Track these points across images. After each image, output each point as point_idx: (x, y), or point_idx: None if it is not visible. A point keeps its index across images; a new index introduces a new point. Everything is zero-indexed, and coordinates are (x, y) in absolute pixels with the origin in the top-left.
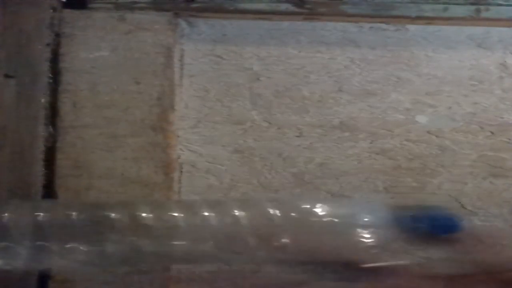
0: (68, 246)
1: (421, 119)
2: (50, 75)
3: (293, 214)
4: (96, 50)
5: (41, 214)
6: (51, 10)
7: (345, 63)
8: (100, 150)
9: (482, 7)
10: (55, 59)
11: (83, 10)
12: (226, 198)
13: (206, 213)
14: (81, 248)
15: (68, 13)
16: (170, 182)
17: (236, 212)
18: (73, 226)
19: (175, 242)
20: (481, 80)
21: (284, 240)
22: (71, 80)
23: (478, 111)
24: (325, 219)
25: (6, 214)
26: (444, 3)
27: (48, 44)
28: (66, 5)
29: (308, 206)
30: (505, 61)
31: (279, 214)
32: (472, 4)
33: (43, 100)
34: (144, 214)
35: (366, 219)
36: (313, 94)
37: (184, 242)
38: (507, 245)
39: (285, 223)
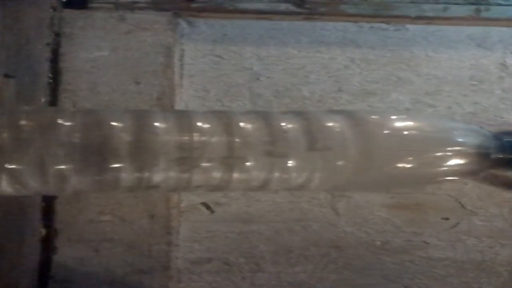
0: None
1: None
2: (50, 75)
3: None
4: (96, 50)
5: None
6: (51, 10)
7: (345, 63)
8: None
9: (482, 7)
10: (55, 59)
11: (83, 10)
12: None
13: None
14: None
15: (68, 13)
16: None
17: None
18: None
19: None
20: (481, 80)
21: None
22: (71, 80)
23: (478, 111)
24: None
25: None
26: (444, 3)
27: (48, 44)
28: (66, 5)
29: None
30: (505, 61)
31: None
32: (472, 4)
33: (43, 100)
34: None
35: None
36: (313, 94)
37: None
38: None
39: None
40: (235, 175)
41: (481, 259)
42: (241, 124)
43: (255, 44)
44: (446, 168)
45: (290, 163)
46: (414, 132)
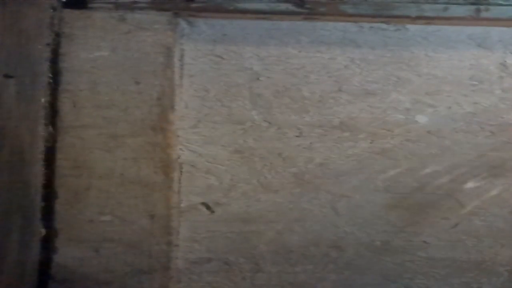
0: None
1: (421, 119)
2: (50, 75)
3: None
4: (96, 50)
5: None
6: (51, 10)
7: (345, 63)
8: (100, 150)
9: (482, 7)
10: (55, 59)
11: (83, 10)
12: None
13: None
14: None
15: (68, 13)
16: (170, 182)
17: None
18: None
19: None
20: (481, 80)
21: None
22: (71, 80)
23: (478, 111)
24: None
25: None
26: (444, 3)
27: (48, 44)
28: (66, 5)
29: None
30: (505, 61)
31: None
32: (472, 4)
33: (43, 100)
34: None
35: None
36: (313, 94)
37: None
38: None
39: None
40: None
41: (481, 259)
42: None
43: (255, 44)
44: None
45: None
46: None
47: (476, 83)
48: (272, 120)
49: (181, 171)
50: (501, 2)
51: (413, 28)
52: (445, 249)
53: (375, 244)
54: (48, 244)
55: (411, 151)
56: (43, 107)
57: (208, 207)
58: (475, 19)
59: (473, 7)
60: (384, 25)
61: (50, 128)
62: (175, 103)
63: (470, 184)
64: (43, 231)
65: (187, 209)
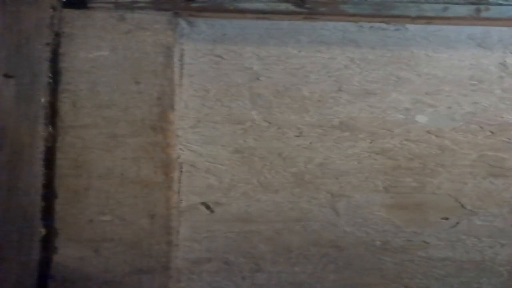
0: None
1: (421, 119)
2: (50, 74)
3: None
4: (96, 49)
5: None
6: (51, 10)
7: (345, 63)
8: (100, 150)
9: (482, 7)
10: (55, 59)
11: (83, 9)
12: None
13: None
14: None
15: (68, 13)
16: (170, 182)
17: None
18: None
19: None
20: (481, 80)
21: None
22: (71, 80)
23: (478, 110)
24: None
25: None
26: (444, 3)
27: (48, 44)
28: (66, 5)
29: None
30: (505, 61)
31: None
32: (472, 3)
33: (43, 100)
34: None
35: None
36: (313, 94)
37: None
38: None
39: None
40: None
41: (481, 259)
42: None
43: (255, 44)
44: None
45: None
46: None
47: (476, 83)
48: (272, 120)
49: (181, 171)
50: (501, 2)
51: (413, 28)
52: (445, 249)
53: (375, 244)
54: (48, 244)
55: (411, 151)
56: (43, 107)
57: (208, 207)
58: (475, 19)
59: (473, 7)
60: (384, 25)
61: (50, 128)
62: (175, 103)
63: (470, 184)
64: (43, 231)
65: (187, 209)
